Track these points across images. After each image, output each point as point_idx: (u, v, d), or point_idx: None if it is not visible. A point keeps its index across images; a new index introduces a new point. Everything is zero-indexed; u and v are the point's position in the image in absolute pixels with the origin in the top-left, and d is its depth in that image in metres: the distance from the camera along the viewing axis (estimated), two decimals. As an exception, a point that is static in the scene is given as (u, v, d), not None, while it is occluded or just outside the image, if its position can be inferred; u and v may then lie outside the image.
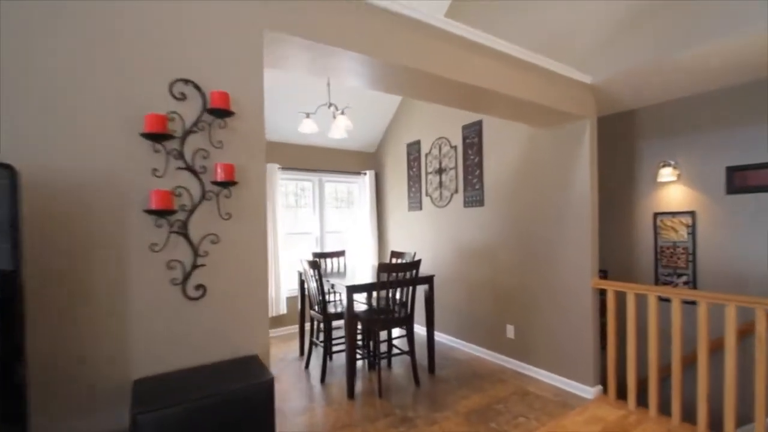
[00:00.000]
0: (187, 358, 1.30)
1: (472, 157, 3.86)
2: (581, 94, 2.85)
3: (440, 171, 4.29)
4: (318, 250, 5.07)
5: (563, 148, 3.05)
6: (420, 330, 4.39)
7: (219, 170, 1.31)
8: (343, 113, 3.54)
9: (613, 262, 3.72)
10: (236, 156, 1.39)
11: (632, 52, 2.59)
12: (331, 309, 3.44)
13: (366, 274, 3.56)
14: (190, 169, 1.31)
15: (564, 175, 3.04)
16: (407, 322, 3.17)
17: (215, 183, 1.33)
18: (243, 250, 1.39)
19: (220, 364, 1.33)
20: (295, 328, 4.73)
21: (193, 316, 1.31)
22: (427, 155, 4.49)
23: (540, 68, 2.55)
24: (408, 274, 3.04)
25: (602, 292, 3.09)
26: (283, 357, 3.89)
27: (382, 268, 2.93)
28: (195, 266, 1.32)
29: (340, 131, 3.70)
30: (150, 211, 1.22)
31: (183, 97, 1.32)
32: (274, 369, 3.57)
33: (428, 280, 3.39)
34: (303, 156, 4.92)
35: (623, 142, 3.68)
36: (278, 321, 4.65)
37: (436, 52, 1.94)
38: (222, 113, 1.32)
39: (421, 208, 4.59)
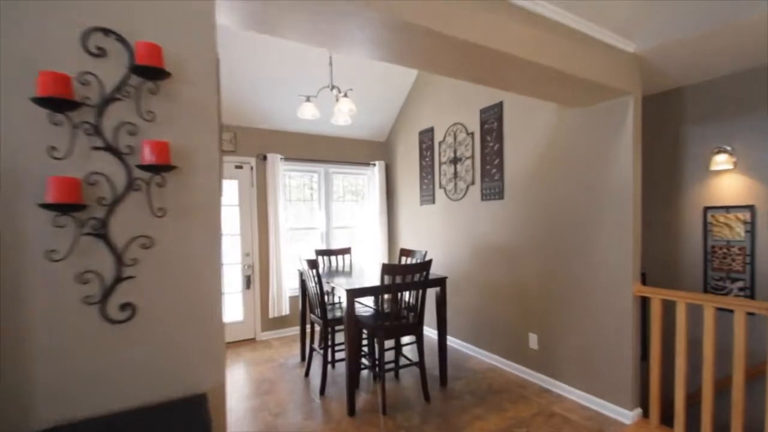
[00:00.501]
0: (108, 400, 0.98)
1: (490, 144, 3.44)
2: (623, 65, 2.39)
3: (455, 161, 3.88)
4: (324, 247, 4.75)
5: (600, 130, 2.61)
6: (432, 333, 4.02)
7: (146, 150, 0.97)
8: (346, 96, 3.17)
9: (652, 263, 3.25)
10: (177, 132, 1.05)
11: (685, 14, 2.12)
12: (332, 313, 3.11)
13: (373, 275, 3.21)
14: (110, 149, 0.99)
15: (600, 162, 2.60)
16: (416, 330, 2.81)
17: (141, 167, 0.99)
18: (187, 257, 1.06)
19: (153, 408, 1.01)
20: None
21: (116, 344, 1.00)
22: (440, 144, 4.09)
23: (577, 32, 2.12)
24: (417, 277, 2.68)
25: (644, 300, 2.66)
26: (283, 362, 3.60)
27: (387, 269, 2.57)
28: (119, 279, 1.00)
29: (343, 116, 3.34)
30: (46, 206, 0.90)
31: (101, 53, 0.98)
32: (273, 375, 3.28)
33: (440, 282, 3.01)
34: (308, 146, 4.58)
35: (667, 125, 3.19)
36: (281, 322, 4.36)
37: (460, 14, 1.56)
38: (152, 73, 0.98)
39: (434, 202, 4.20)
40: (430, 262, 2.70)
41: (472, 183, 3.65)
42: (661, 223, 3.23)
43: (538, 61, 1.89)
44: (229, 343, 4.11)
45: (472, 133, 3.65)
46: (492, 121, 3.41)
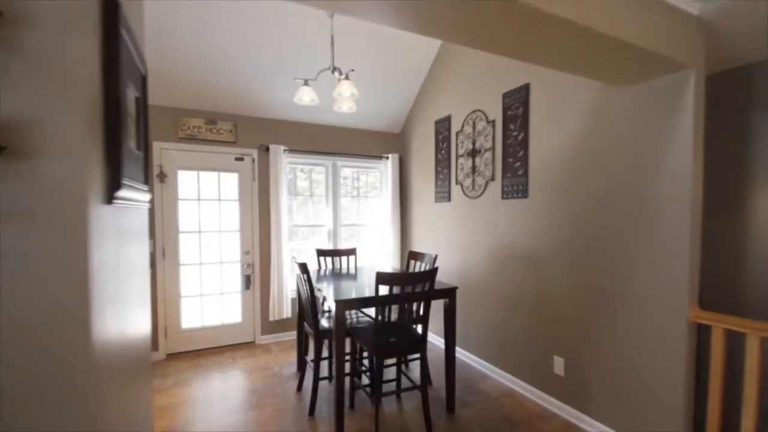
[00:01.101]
0: None
1: (514, 133, 2.97)
2: (684, 30, 1.88)
3: (473, 153, 3.43)
4: (331, 246, 4.43)
5: (650, 114, 2.10)
6: (441, 343, 3.62)
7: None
8: (347, 78, 2.80)
9: (709, 283, 2.69)
10: (11, 98, 0.72)
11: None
12: (325, 322, 2.77)
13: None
14: None
15: (649, 153, 2.10)
16: (418, 348, 2.43)
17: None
18: (31, 273, 0.73)
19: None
20: (302, 333, 4.15)
21: None
22: (458, 134, 3.64)
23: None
24: (421, 287, 2.29)
25: (700, 328, 2.14)
26: (278, 371, 3.32)
27: (382, 279, 2.20)
28: None
29: (346, 102, 2.98)
30: None
31: None
32: (264, 386, 2.99)
33: (448, 293, 2.61)
34: (315, 136, 4.25)
35: (736, 111, 2.60)
36: (281, 325, 4.09)
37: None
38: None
39: (449, 200, 3.77)
40: (435, 270, 2.30)
41: (492, 179, 3.20)
42: (725, 233, 2.66)
43: (595, 28, 1.45)
44: (226, 346, 3.88)
45: (493, 122, 3.19)
46: (516, 106, 2.94)
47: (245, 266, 3.94)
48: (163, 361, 3.57)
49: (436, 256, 3.07)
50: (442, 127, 3.87)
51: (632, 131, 2.18)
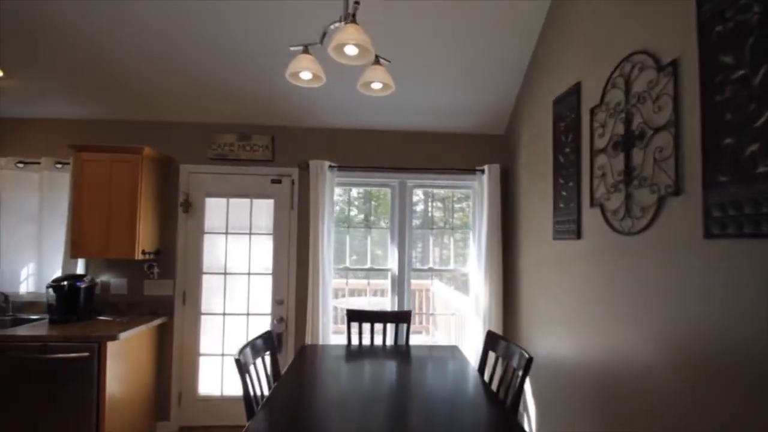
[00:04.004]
0: None
1: (740, 74, 1.15)
2: None
3: (627, 141, 1.66)
4: (395, 299, 3.08)
5: None
6: None
7: None
8: (353, 19, 1.58)
9: None
10: None
11: None
12: None
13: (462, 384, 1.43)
14: None
15: None
16: None
17: None
18: None
19: None
20: None
21: None
22: (594, 111, 1.91)
23: None
24: None
25: None
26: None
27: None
28: None
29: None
30: None
31: None
32: None
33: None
34: (375, 148, 3.10)
35: None
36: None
37: None
38: None
39: (577, 235, 2.01)
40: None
41: (674, 191, 1.38)
42: None
43: None
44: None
45: (674, 64, 1.41)
46: (737, 13, 1.14)
47: (276, 322, 2.96)
48: (175, 435, 2.83)
49: (529, 360, 1.41)
50: (566, 106, 2.17)
51: None
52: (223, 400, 2.93)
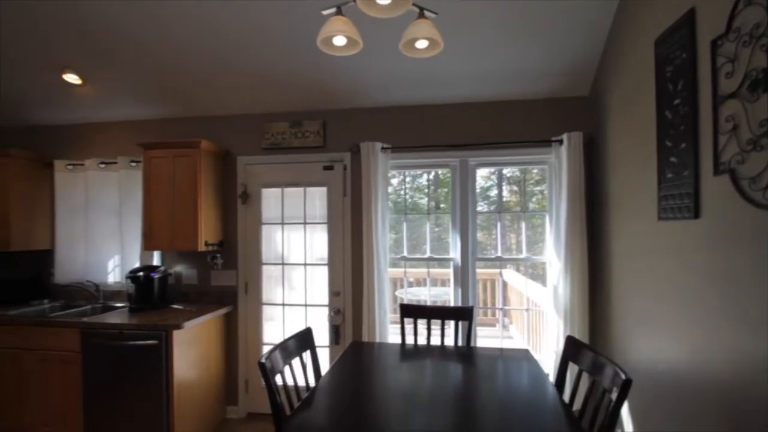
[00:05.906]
0: None
1: None
2: None
3: (776, 74, 1.15)
4: (458, 291, 2.78)
5: None
6: None
7: None
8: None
9: None
10: None
11: None
12: None
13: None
14: None
15: None
16: None
17: None
18: None
19: None
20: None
21: None
22: (717, 43, 1.40)
23: None
24: None
25: None
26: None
27: None
28: None
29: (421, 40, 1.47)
30: None
31: None
32: None
33: None
34: (432, 124, 2.80)
35: None
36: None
37: None
38: None
39: (694, 213, 1.51)
40: None
41: None
42: None
43: None
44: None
45: None
46: None
47: (333, 314, 2.86)
48: (244, 420, 2.91)
49: (626, 382, 1.05)
50: (672, 46, 1.65)
51: None
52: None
